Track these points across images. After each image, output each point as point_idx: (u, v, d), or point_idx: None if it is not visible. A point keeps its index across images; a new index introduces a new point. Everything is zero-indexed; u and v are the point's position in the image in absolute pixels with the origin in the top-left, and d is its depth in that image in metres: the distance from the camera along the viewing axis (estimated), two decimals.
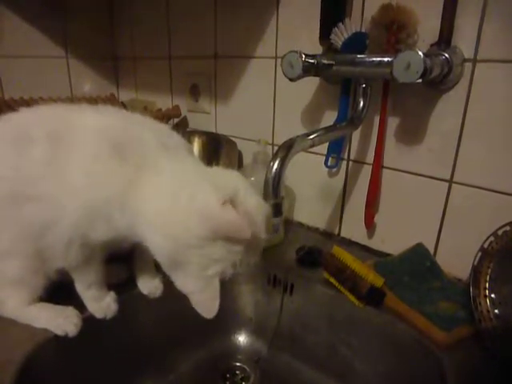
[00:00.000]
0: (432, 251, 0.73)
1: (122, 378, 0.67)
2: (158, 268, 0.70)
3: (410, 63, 0.54)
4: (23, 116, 0.59)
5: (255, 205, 0.52)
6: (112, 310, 0.63)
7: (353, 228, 0.85)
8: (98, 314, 0.62)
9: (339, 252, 0.69)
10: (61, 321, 0.59)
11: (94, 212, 0.52)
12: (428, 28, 0.64)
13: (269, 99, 0.92)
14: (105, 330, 0.64)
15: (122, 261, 0.70)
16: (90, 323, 0.61)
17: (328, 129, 0.67)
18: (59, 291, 0.61)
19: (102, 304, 0.62)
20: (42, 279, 0.60)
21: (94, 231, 0.53)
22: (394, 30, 0.63)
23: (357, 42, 0.68)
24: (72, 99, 1.20)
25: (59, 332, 0.58)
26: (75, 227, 0.53)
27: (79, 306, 0.61)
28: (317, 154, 0.84)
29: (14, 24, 1.11)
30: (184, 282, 0.52)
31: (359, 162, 0.80)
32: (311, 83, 0.82)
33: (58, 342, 0.58)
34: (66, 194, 0.52)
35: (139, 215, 0.52)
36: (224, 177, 0.54)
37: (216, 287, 0.50)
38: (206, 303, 0.51)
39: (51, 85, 1.19)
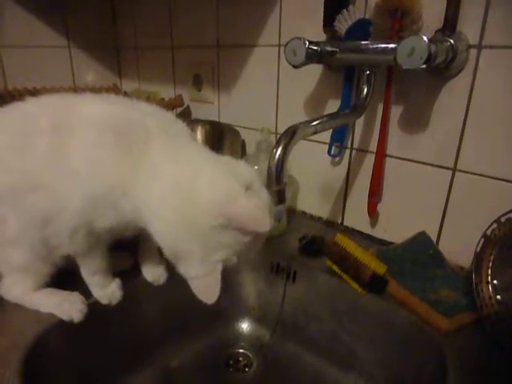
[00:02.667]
0: (435, 240, 0.73)
1: (126, 363, 0.69)
2: (162, 256, 0.71)
3: (414, 49, 0.54)
4: (29, 106, 0.59)
5: (267, 197, 0.52)
6: (117, 297, 0.64)
7: (356, 217, 0.85)
8: (103, 301, 0.63)
9: (342, 240, 0.69)
10: (66, 306, 0.60)
11: (99, 200, 0.52)
12: (433, 14, 0.63)
13: (272, 88, 0.91)
14: (109, 317, 0.65)
15: (127, 249, 0.70)
16: (94, 309, 0.61)
17: (331, 116, 0.67)
18: (65, 277, 0.62)
19: (107, 290, 0.63)
20: (48, 266, 0.61)
21: (98, 219, 0.54)
22: (398, 16, 0.62)
23: (360, 29, 0.68)
24: (75, 89, 1.20)
25: (65, 317, 0.59)
26: (80, 215, 0.53)
27: (84, 292, 0.62)
28: (320, 142, 0.84)
29: (16, 14, 1.10)
30: (187, 268, 0.52)
31: (362, 150, 0.80)
32: (314, 72, 0.82)
33: (63, 327, 0.59)
34: (71, 182, 0.52)
35: (144, 202, 0.52)
36: (237, 165, 0.54)
37: (218, 274, 0.50)
38: (207, 289, 0.51)
39: (54, 75, 1.19)
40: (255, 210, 0.47)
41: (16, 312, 0.60)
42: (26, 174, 0.54)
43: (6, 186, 0.55)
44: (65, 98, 0.61)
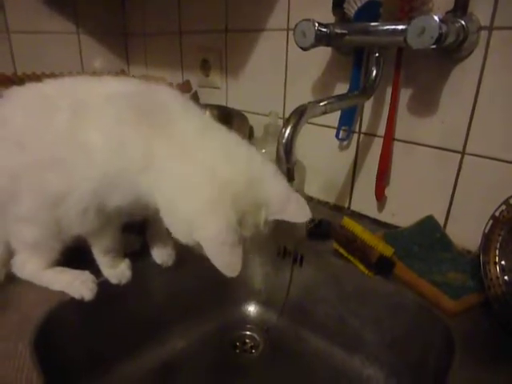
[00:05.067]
0: (442, 223, 0.73)
1: (133, 342, 0.70)
2: (170, 238, 0.71)
3: (424, 28, 0.53)
4: (46, 86, 0.60)
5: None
6: (126, 277, 0.65)
7: (363, 201, 0.85)
8: (113, 280, 0.64)
9: (349, 223, 0.70)
10: (77, 284, 0.60)
11: (114, 176, 0.53)
12: None
13: (280, 73, 0.91)
14: (118, 296, 0.66)
15: (137, 231, 0.71)
16: (104, 288, 0.62)
17: (340, 97, 0.67)
18: (76, 256, 0.63)
19: (117, 270, 0.64)
20: (60, 244, 0.61)
21: (111, 196, 0.54)
22: None
23: (370, 11, 0.67)
24: (83, 75, 1.20)
25: (75, 295, 0.60)
26: (93, 193, 0.54)
27: (95, 271, 0.63)
28: (328, 126, 0.84)
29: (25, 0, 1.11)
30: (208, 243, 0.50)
31: (370, 134, 0.80)
32: (322, 55, 0.82)
33: (73, 305, 0.60)
34: (87, 158, 0.53)
35: (164, 178, 0.52)
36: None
37: (240, 247, 0.48)
38: (230, 263, 0.48)
39: (63, 61, 1.20)
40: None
41: (27, 289, 0.61)
42: (43, 151, 0.55)
43: (24, 164, 0.56)
44: (82, 79, 0.62)
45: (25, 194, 0.57)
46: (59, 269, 0.63)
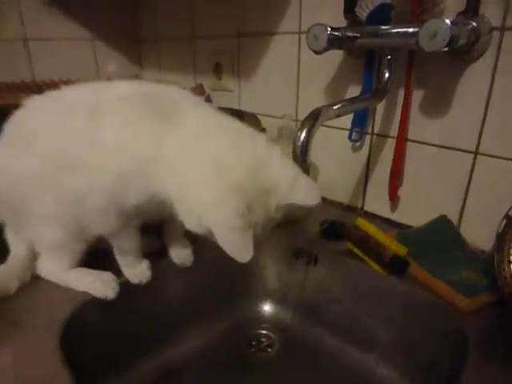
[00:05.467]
0: (456, 223, 0.74)
1: (151, 341, 0.72)
2: (188, 238, 0.73)
3: (436, 32, 0.54)
4: (64, 92, 0.63)
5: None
6: (146, 277, 0.66)
7: (376, 202, 0.86)
8: (134, 280, 0.65)
9: (363, 223, 0.70)
10: (100, 284, 0.62)
11: (129, 172, 0.55)
12: None
13: (292, 75, 0.92)
14: (138, 296, 0.67)
15: (155, 232, 0.73)
16: (125, 288, 0.64)
17: (353, 100, 0.68)
18: (97, 257, 0.65)
19: (137, 270, 0.66)
20: (82, 245, 0.64)
21: (128, 194, 0.56)
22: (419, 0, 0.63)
23: (381, 14, 0.68)
24: (99, 81, 1.23)
25: (99, 295, 0.62)
26: (110, 192, 0.56)
27: (115, 271, 0.65)
28: (341, 128, 0.85)
29: (43, 8, 1.14)
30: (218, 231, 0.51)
31: (383, 135, 0.81)
32: (335, 58, 0.83)
33: (96, 304, 0.62)
34: (103, 156, 0.55)
35: (175, 167, 0.53)
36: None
37: (250, 234, 0.49)
38: (241, 249, 0.49)
39: (79, 67, 1.23)
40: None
41: (52, 290, 0.63)
42: (63, 154, 0.57)
43: (41, 166, 0.58)
44: (97, 84, 0.65)
45: (46, 196, 0.59)
46: (82, 269, 0.65)
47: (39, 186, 0.59)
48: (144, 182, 0.55)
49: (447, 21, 0.54)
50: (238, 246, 0.48)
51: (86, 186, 0.56)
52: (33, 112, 0.63)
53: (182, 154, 0.53)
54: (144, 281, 0.66)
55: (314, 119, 0.56)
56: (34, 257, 0.65)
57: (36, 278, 0.65)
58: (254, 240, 0.49)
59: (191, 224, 0.53)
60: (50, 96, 0.63)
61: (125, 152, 0.55)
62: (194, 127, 0.55)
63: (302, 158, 0.55)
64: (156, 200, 0.56)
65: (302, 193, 0.53)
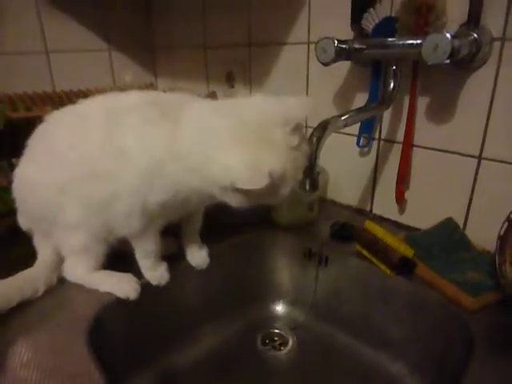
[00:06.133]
0: (461, 225, 0.76)
1: (169, 340, 0.75)
2: (203, 241, 0.77)
3: (437, 45, 0.57)
4: (80, 106, 0.67)
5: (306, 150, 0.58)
6: (165, 278, 0.69)
7: (384, 205, 0.88)
8: (153, 282, 0.69)
9: (371, 226, 0.73)
10: (123, 285, 0.66)
11: (151, 172, 0.58)
12: (457, 8, 0.66)
13: (301, 83, 0.95)
14: (157, 297, 0.71)
15: (173, 236, 0.76)
16: (144, 290, 0.67)
17: (360, 109, 0.71)
18: (119, 261, 0.68)
19: (157, 273, 0.69)
20: (105, 248, 0.67)
21: (152, 194, 0.59)
22: (423, 13, 0.66)
23: (387, 27, 0.71)
24: (115, 90, 1.27)
25: (122, 295, 0.65)
26: (136, 194, 0.59)
27: (135, 273, 0.68)
28: (349, 134, 0.88)
29: (62, 21, 1.19)
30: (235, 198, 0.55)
31: (390, 141, 0.83)
32: (342, 68, 0.85)
33: (119, 304, 0.65)
34: (125, 162, 0.59)
35: (187, 154, 0.57)
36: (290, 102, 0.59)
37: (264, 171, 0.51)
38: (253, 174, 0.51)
39: (96, 76, 1.27)
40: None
41: (77, 291, 0.67)
42: (83, 164, 0.61)
43: (66, 177, 0.62)
44: (111, 95, 0.69)
45: (72, 204, 0.63)
46: (105, 272, 0.69)
47: (66, 196, 0.63)
48: (167, 179, 0.59)
49: (448, 34, 0.57)
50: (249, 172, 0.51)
51: (113, 192, 0.60)
52: (54, 126, 0.67)
53: (194, 143, 0.57)
54: (163, 282, 0.69)
55: (322, 130, 0.60)
56: (59, 261, 0.69)
57: (62, 281, 0.69)
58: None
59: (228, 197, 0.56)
60: (69, 110, 0.68)
61: (146, 155, 0.59)
62: (196, 113, 0.59)
63: (310, 166, 0.58)
64: (179, 197, 0.60)
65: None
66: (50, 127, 0.67)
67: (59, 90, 1.17)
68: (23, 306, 0.63)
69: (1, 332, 0.58)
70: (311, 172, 0.58)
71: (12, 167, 0.91)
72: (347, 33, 0.79)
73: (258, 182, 0.49)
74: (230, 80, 1.14)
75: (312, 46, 0.90)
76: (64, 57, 1.21)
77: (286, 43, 0.96)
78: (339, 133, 0.89)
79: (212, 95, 1.16)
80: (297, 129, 0.54)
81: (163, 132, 0.59)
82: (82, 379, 0.50)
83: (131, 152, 0.59)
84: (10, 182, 0.70)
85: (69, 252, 0.68)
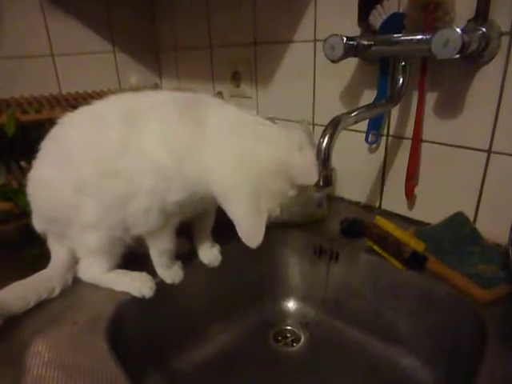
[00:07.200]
0: (472, 219, 0.76)
1: (183, 338, 0.76)
2: (215, 239, 0.78)
3: (448, 40, 0.58)
4: (96, 106, 0.67)
5: (314, 156, 0.59)
6: (179, 277, 0.70)
7: (393, 200, 0.89)
8: (168, 280, 0.70)
9: (381, 221, 0.74)
10: (138, 284, 0.67)
11: (167, 169, 0.59)
12: (465, 4, 0.66)
13: (308, 82, 0.96)
14: (171, 295, 0.72)
15: (185, 235, 0.76)
16: (159, 288, 0.68)
17: (369, 106, 0.71)
18: (133, 260, 0.70)
19: (171, 271, 0.70)
20: (120, 248, 0.68)
21: (170, 192, 0.60)
22: (431, 9, 0.66)
23: (395, 23, 0.71)
24: (121, 91, 1.28)
25: (137, 294, 0.66)
26: (154, 193, 0.60)
27: (149, 272, 0.69)
28: (357, 131, 0.88)
29: (67, 24, 1.19)
30: (236, 209, 0.58)
31: (398, 137, 0.84)
32: (350, 65, 0.86)
33: (135, 303, 0.66)
34: (143, 161, 0.60)
35: (207, 155, 0.59)
36: (289, 128, 0.63)
37: (263, 219, 0.56)
38: (252, 233, 0.56)
39: (101, 78, 1.28)
40: (308, 163, 0.58)
41: (93, 291, 0.68)
42: (101, 163, 0.62)
43: (84, 176, 0.63)
44: (125, 95, 0.69)
45: (88, 204, 0.64)
46: (120, 271, 0.70)
47: (82, 195, 0.63)
48: (184, 178, 0.60)
49: (458, 29, 0.58)
50: (249, 236, 0.55)
51: (131, 190, 0.61)
52: (68, 127, 0.68)
53: (212, 147, 0.59)
54: (177, 281, 0.70)
55: (334, 126, 0.60)
56: (74, 261, 0.70)
57: (77, 281, 0.70)
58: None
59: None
60: (83, 111, 0.68)
61: (165, 153, 0.59)
62: (217, 122, 0.61)
63: (324, 163, 0.59)
64: (197, 196, 0.62)
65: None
66: (64, 128, 0.68)
67: (65, 92, 1.18)
68: (40, 307, 0.64)
69: (20, 332, 0.59)
70: (325, 168, 0.59)
71: (22, 170, 0.93)
72: (354, 30, 0.80)
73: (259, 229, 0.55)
74: (235, 79, 1.15)
75: (318, 44, 0.90)
76: (69, 59, 1.22)
77: (292, 41, 0.97)
78: (347, 130, 0.89)
79: (219, 95, 1.16)
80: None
81: (183, 132, 0.60)
82: (103, 376, 0.51)
83: (149, 149, 0.60)
84: (21, 185, 0.70)
85: (84, 252, 0.69)
